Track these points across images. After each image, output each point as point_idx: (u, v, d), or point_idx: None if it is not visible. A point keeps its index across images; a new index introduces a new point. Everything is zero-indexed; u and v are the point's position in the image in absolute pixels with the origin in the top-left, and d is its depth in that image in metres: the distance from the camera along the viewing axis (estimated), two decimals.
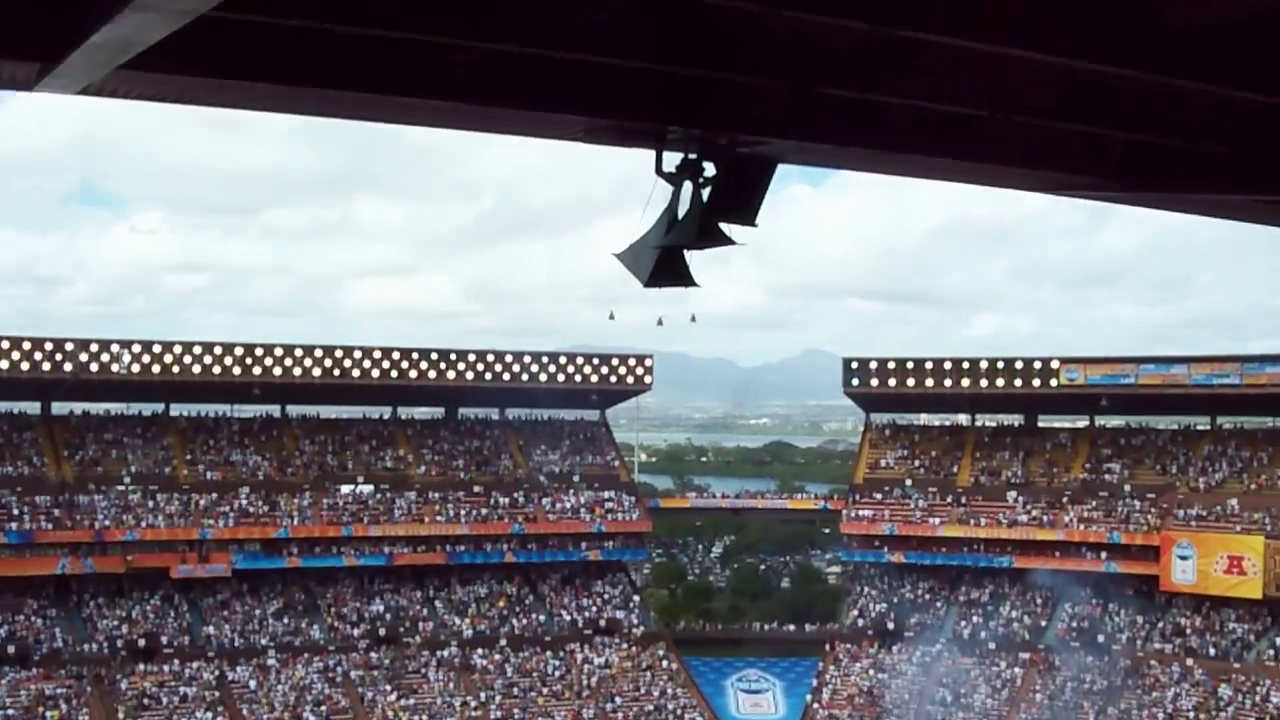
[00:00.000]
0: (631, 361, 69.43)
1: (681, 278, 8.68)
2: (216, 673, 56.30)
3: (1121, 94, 7.86)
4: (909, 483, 67.44)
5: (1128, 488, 63.66)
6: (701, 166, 8.14)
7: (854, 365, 68.24)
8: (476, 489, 65.32)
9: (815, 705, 61.23)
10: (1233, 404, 64.17)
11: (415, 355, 64.97)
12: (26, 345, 57.77)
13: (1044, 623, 62.79)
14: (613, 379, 68.80)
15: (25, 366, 57.51)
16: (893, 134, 8.22)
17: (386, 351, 64.49)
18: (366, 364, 63.59)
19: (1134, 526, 61.37)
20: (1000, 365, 65.37)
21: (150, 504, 59.14)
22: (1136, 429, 69.36)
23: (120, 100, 7.34)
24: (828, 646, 64.21)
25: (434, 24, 6.61)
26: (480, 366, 65.79)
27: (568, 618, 64.38)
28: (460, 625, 62.35)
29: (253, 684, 56.31)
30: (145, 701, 53.99)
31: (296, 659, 58.08)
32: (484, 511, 64.22)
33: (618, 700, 59.64)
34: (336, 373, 62.89)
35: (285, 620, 60.21)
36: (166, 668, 55.81)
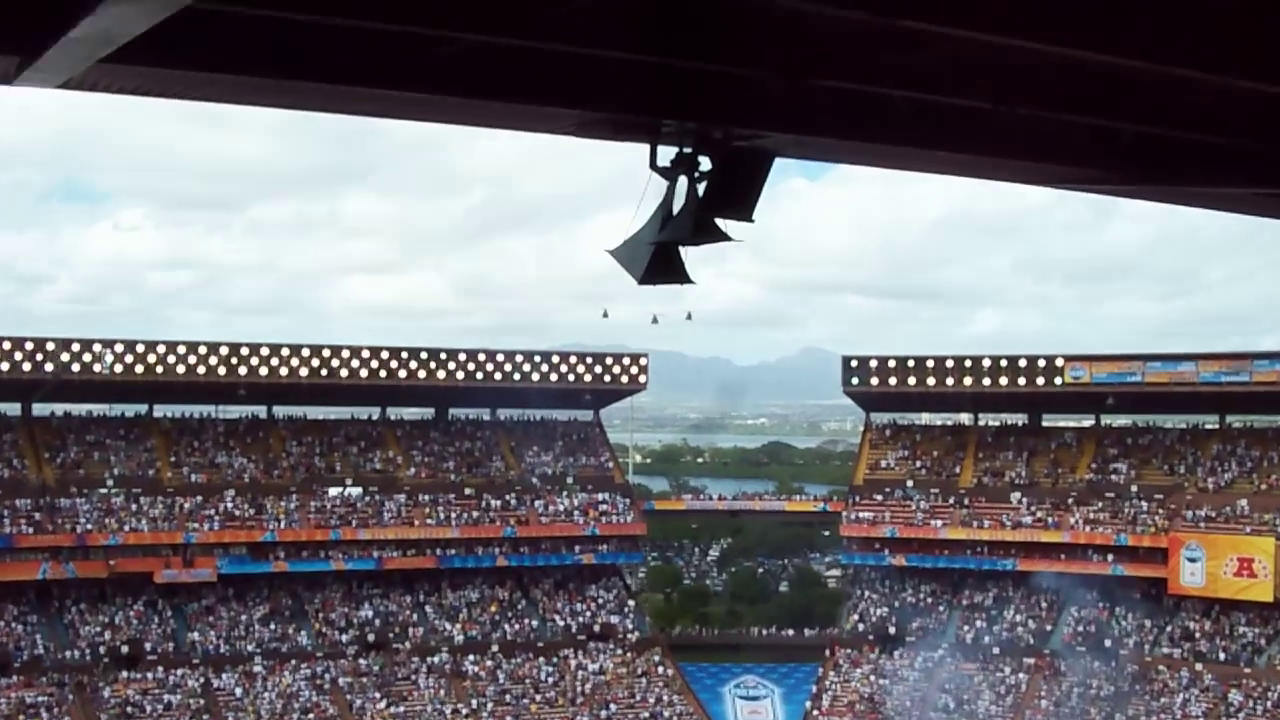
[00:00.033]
0: (626, 360, 69.41)
1: (677, 274, 8.68)
2: (201, 680, 56.24)
3: (1127, 85, 7.86)
4: (910, 484, 67.47)
5: (1135, 488, 63.71)
6: (697, 160, 8.13)
7: (853, 363, 68.26)
8: (467, 491, 65.29)
9: (815, 712, 61.25)
10: (1242, 402, 64.22)
11: (404, 354, 64.91)
12: (6, 345, 57.62)
13: (1049, 627, 62.84)
14: (606, 378, 68.75)
15: (5, 367, 57.39)
16: (893, 126, 8.22)
17: (375, 350, 64.42)
18: (354, 363, 63.52)
19: (1141, 528, 61.41)
20: (1004, 363, 65.38)
21: (133, 507, 59.06)
22: (1143, 428, 69.40)
23: (102, 94, 7.34)
24: (827, 652, 64.21)
25: (419, 14, 6.60)
26: (471, 366, 65.76)
27: (561, 623, 64.38)
28: (451, 631, 62.32)
29: (239, 692, 56.26)
30: (128, 710, 53.91)
31: (283, 666, 58.02)
32: (475, 514, 64.18)
33: (612, 708, 59.65)
34: (324, 372, 62.84)
35: (272, 626, 60.16)
36: (150, 675, 55.74)
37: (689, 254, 8.60)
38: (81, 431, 63.17)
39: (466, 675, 59.93)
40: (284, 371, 61.99)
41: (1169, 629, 60.81)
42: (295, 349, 62.53)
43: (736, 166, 8.21)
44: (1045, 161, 9.04)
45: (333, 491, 63.22)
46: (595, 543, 65.80)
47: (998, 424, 71.56)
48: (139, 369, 59.53)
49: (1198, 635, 59.98)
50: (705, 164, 8.14)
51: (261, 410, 67.11)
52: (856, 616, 66.12)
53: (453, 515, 63.68)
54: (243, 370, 61.32)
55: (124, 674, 55.39)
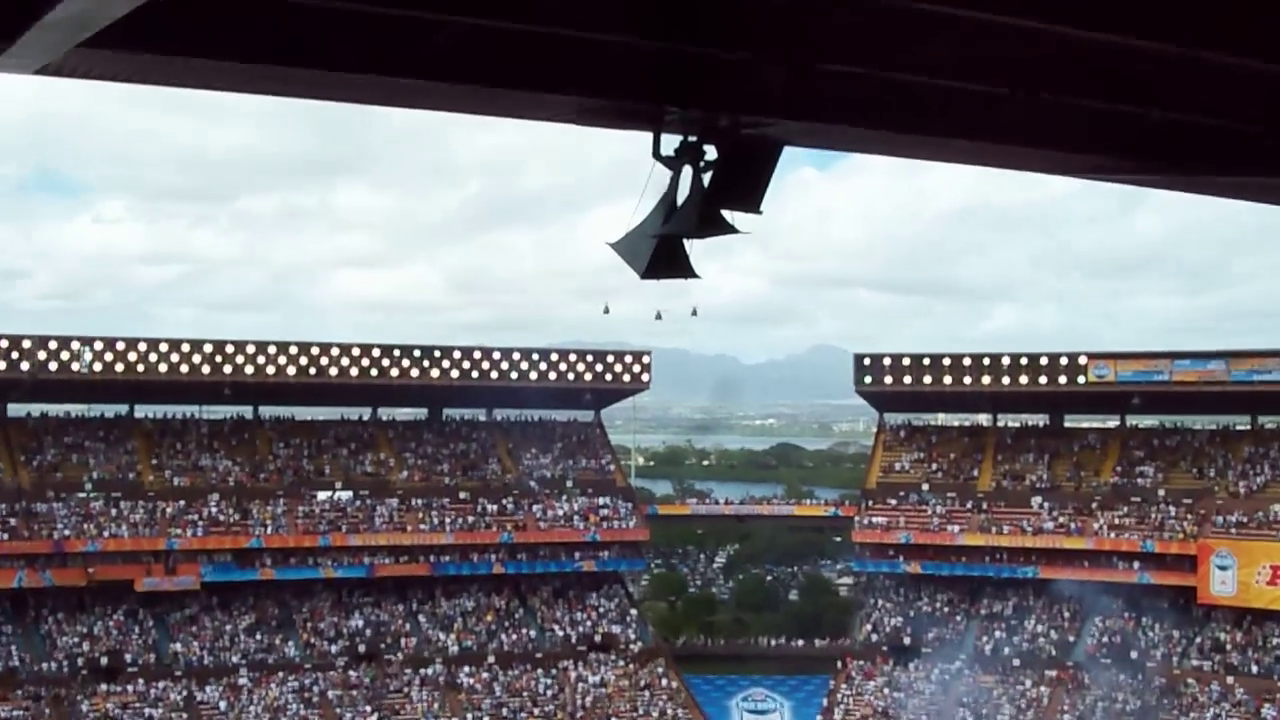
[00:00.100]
0: (628, 358, 69.46)
1: (681, 269, 8.68)
2: (184, 693, 56.30)
3: (1153, 69, 7.84)
4: (926, 487, 67.49)
5: (1162, 492, 63.69)
6: (702, 149, 8.13)
7: (866, 361, 68.32)
8: (462, 495, 65.35)
9: None
10: (1275, 402, 64.12)
11: (397, 352, 64.96)
12: None
13: (1072, 638, 62.83)
14: (608, 377, 68.81)
15: None
16: (907, 114, 8.22)
17: (366, 348, 64.47)
18: (345, 362, 63.58)
19: (1169, 534, 61.38)
20: (1023, 361, 65.38)
21: (113, 512, 59.13)
22: (1171, 429, 69.39)
23: (81, 80, 7.34)
24: (839, 663, 64.25)
25: None
26: (466, 364, 65.80)
27: (560, 633, 64.43)
28: (445, 641, 62.38)
29: (223, 705, 56.33)
30: None
31: (270, 678, 58.09)
32: (470, 519, 64.24)
33: None
34: (313, 371, 62.91)
35: (258, 636, 60.22)
36: (131, 688, 55.81)
37: (694, 247, 8.61)
38: (59, 433, 63.24)
39: (461, 688, 59.97)
40: (271, 370, 62.06)
41: (1198, 640, 60.77)
42: (283, 346, 62.61)
43: (743, 156, 8.22)
44: (1066, 150, 9.03)
45: (322, 495, 63.28)
46: (596, 549, 65.84)
47: (1017, 425, 71.57)
48: (119, 367, 59.60)
49: (1229, 647, 59.94)
50: (711, 153, 8.14)
51: (248, 410, 67.19)
52: (869, 626, 66.12)
53: (447, 520, 63.73)
54: (228, 369, 61.39)
55: (103, 687, 55.46)
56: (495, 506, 65.13)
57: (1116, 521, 62.77)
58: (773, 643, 70.98)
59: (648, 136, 8.21)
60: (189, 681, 56.85)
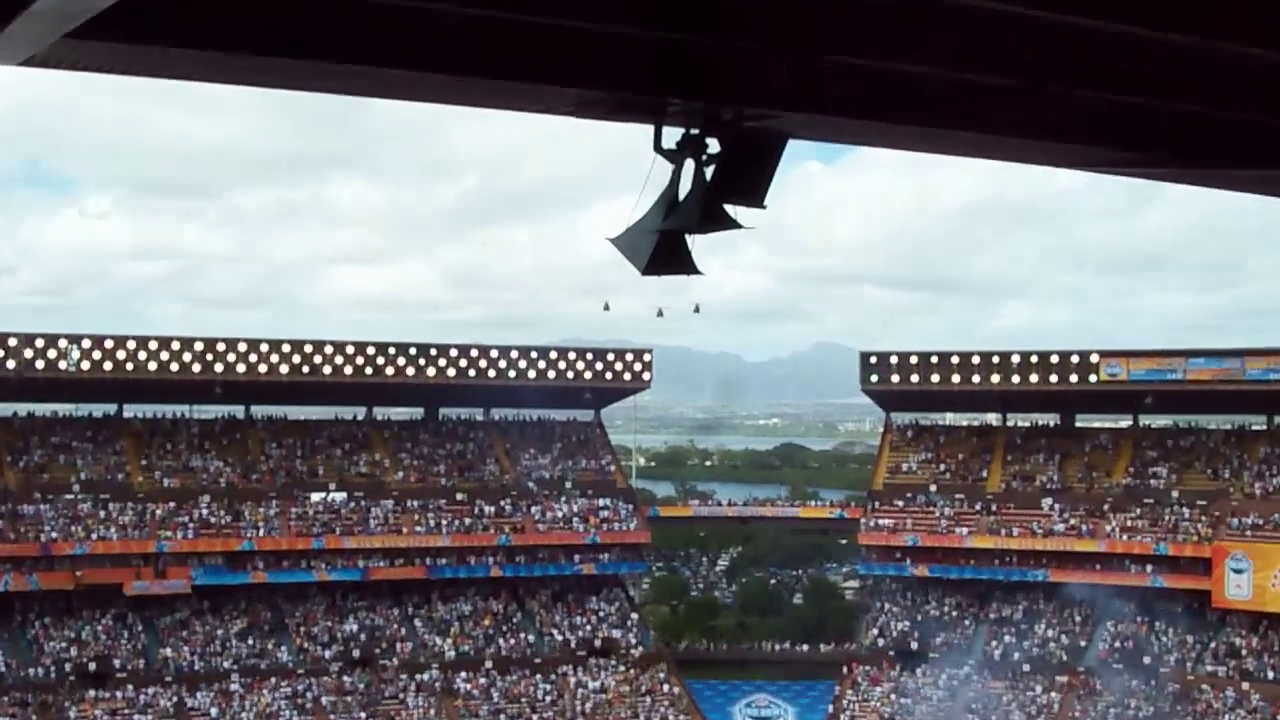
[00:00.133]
0: (629, 357, 69.49)
1: (683, 265, 8.67)
2: (174, 699, 56.34)
3: (1168, 60, 7.84)
4: (933, 489, 67.52)
5: (1175, 494, 63.72)
6: (704, 142, 8.12)
7: (872, 360, 68.34)
8: (459, 497, 65.36)
9: None
10: None
11: (392, 350, 64.98)
12: None
13: (1083, 643, 62.85)
14: (608, 376, 68.85)
15: None
16: (915, 106, 8.21)
17: (360, 346, 64.49)
18: (339, 360, 63.61)
19: (1183, 537, 61.41)
20: (1034, 359, 65.41)
21: (102, 514, 59.16)
22: (1185, 429, 69.40)
23: (68, 72, 7.33)
24: (845, 669, 64.28)
25: None
26: (463, 362, 65.81)
27: (559, 637, 64.45)
28: (442, 646, 62.40)
29: (214, 712, 56.36)
30: None
31: (262, 683, 58.11)
32: (468, 521, 64.26)
33: None
34: (306, 370, 62.93)
35: (250, 641, 60.25)
36: (120, 694, 55.84)
37: (696, 243, 8.59)
38: (46, 433, 63.26)
39: (458, 694, 60.00)
40: (263, 369, 62.08)
41: (1213, 645, 60.79)
42: (275, 344, 62.63)
43: (747, 149, 8.20)
44: (1078, 143, 9.02)
45: (315, 497, 63.30)
46: (596, 551, 65.87)
47: (1027, 425, 71.60)
48: (108, 366, 59.63)
49: (1244, 652, 59.95)
50: (713, 146, 8.13)
51: (239, 410, 67.23)
52: (876, 631, 66.15)
53: (444, 522, 63.75)
54: (219, 367, 61.42)
55: (91, 693, 55.48)
56: (493, 508, 65.14)
57: (1129, 524, 62.78)
58: (777, 647, 71.03)
59: (649, 129, 8.19)
60: (179, 687, 56.87)
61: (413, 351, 65.29)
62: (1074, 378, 64.76)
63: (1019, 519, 64.62)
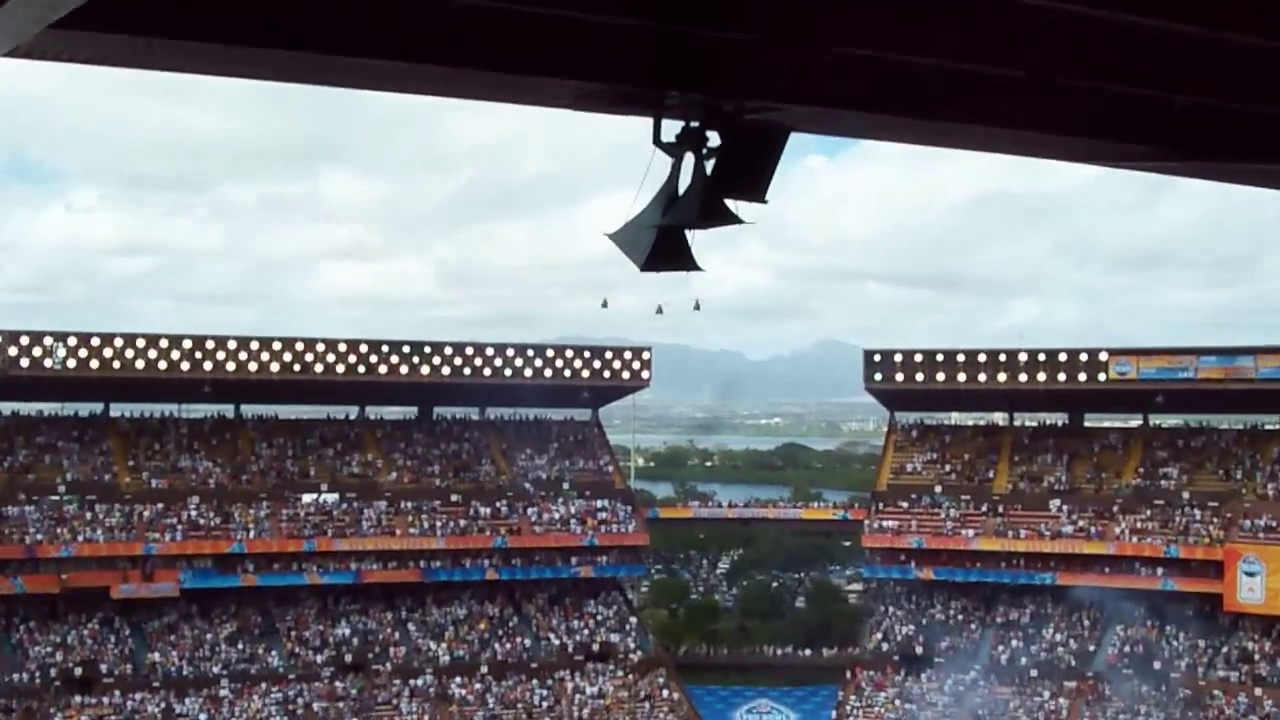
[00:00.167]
0: (627, 355, 69.49)
1: (682, 261, 8.67)
2: (163, 705, 56.35)
3: (1179, 51, 7.85)
4: (939, 490, 67.53)
5: (1186, 495, 63.75)
6: (704, 136, 8.12)
7: (876, 358, 68.34)
8: (454, 498, 65.37)
9: None
10: None
11: (385, 348, 64.99)
12: None
13: (1092, 647, 62.88)
14: (606, 374, 68.84)
15: None
16: (920, 98, 8.21)
17: (353, 344, 64.50)
18: (330, 358, 63.61)
19: (1194, 539, 61.44)
20: (1041, 358, 65.43)
21: (88, 516, 59.16)
22: (1196, 429, 69.43)
23: (53, 63, 7.34)
24: (848, 674, 64.29)
25: None
26: (458, 361, 65.83)
27: (556, 642, 64.47)
28: (436, 650, 62.43)
29: (203, 717, 56.38)
30: None
31: (252, 689, 58.13)
32: (463, 523, 64.26)
33: None
34: (297, 368, 62.93)
35: (240, 646, 60.26)
36: (106, 699, 55.85)
37: (696, 238, 8.60)
38: (31, 433, 63.27)
39: (453, 699, 60.03)
40: (253, 367, 62.09)
41: (1225, 650, 60.84)
42: (265, 342, 62.64)
43: (748, 142, 8.20)
44: (1087, 136, 9.02)
45: (306, 498, 63.31)
46: (594, 554, 65.89)
47: (1035, 424, 71.65)
48: (94, 364, 59.62)
49: (1257, 657, 60.00)
50: (714, 140, 8.13)
51: (229, 409, 67.25)
52: (880, 635, 66.18)
53: (438, 524, 63.76)
54: (208, 365, 61.43)
55: (77, 698, 55.50)
56: (488, 509, 65.15)
57: (1139, 525, 62.82)
58: (778, 652, 71.09)
59: (648, 122, 8.19)
60: (167, 693, 56.89)
61: (406, 349, 65.30)
62: (1082, 376, 64.79)
63: (1026, 521, 64.64)
